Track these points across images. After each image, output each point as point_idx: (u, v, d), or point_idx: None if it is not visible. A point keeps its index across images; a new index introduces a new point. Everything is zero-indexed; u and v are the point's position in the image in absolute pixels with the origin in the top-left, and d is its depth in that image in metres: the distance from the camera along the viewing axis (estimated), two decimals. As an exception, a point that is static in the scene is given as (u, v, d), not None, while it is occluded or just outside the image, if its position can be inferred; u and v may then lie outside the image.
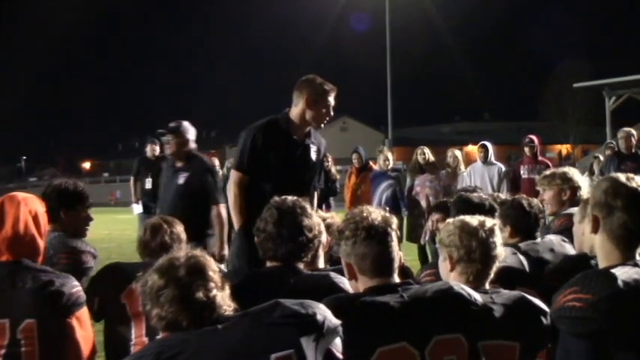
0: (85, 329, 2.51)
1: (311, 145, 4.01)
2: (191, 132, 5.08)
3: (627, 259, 1.92)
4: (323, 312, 1.89)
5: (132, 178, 9.46)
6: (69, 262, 2.97)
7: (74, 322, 2.47)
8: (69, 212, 3.10)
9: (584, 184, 3.80)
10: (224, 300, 1.89)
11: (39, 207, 2.58)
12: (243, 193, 3.90)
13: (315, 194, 4.19)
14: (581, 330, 1.81)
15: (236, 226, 4.00)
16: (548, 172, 3.90)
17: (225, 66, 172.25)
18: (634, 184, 1.95)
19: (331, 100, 3.91)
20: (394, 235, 2.20)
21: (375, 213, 2.20)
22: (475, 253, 2.26)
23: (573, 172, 3.80)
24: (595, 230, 1.97)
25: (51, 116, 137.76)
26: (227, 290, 1.92)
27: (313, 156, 4.02)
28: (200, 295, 1.84)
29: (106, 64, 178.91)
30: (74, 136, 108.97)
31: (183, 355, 1.76)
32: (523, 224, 3.11)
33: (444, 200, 3.96)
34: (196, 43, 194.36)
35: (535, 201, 3.26)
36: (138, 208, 9.20)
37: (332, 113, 3.94)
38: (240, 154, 3.97)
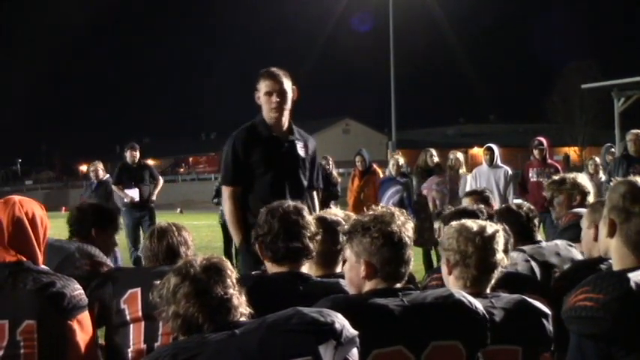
0: (86, 332, 2.48)
1: (296, 142, 3.89)
2: None
3: None
4: (341, 321, 1.87)
5: (114, 187, 9.17)
6: (91, 270, 2.99)
7: (75, 325, 2.44)
8: (99, 232, 3.25)
9: (593, 190, 3.85)
10: (241, 303, 1.89)
11: (37, 209, 2.52)
12: (239, 205, 3.79)
13: (316, 194, 4.07)
14: (592, 330, 1.79)
15: (236, 241, 3.89)
16: (557, 178, 3.91)
17: (225, 67, 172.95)
18: None
19: (271, 83, 3.74)
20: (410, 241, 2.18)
21: (398, 221, 2.15)
22: (471, 258, 2.25)
23: (582, 178, 3.83)
24: (611, 234, 1.94)
25: (47, 118, 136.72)
26: (244, 296, 1.91)
27: (301, 152, 3.90)
28: (217, 290, 1.85)
29: (104, 65, 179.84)
30: (70, 138, 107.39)
31: (199, 357, 1.75)
32: (517, 227, 3.03)
33: (441, 210, 3.97)
34: (195, 44, 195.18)
35: (524, 204, 3.29)
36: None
37: (281, 95, 3.75)
38: (224, 168, 3.88)
